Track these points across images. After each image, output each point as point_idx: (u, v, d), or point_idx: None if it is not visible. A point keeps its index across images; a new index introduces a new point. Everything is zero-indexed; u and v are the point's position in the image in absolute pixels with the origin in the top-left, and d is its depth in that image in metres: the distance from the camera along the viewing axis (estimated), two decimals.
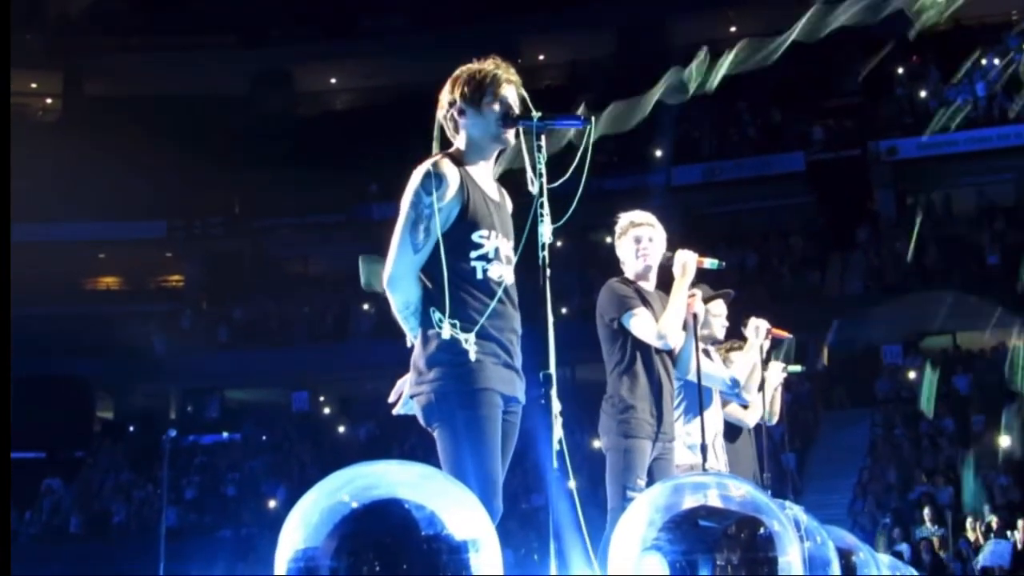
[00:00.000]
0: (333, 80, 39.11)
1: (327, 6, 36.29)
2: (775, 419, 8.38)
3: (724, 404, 7.48)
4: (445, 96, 4.35)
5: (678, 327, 6.05)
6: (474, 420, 4.04)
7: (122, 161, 32.08)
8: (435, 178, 4.13)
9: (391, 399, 4.36)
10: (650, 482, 5.79)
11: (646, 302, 6.06)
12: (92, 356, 30.85)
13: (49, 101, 38.82)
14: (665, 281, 6.21)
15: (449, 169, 4.17)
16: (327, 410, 31.54)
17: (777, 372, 8.31)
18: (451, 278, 4.13)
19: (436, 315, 4.10)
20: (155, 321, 32.96)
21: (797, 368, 8.78)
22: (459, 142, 4.34)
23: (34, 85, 37.64)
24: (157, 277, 37.05)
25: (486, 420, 4.06)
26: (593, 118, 4.11)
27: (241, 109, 35.50)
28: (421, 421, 4.16)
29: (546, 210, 3.94)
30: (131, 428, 31.48)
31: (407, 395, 4.23)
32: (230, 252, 34.45)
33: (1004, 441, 21.20)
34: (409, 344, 4.26)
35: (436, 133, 4.38)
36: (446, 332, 4.07)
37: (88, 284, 36.35)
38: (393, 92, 34.84)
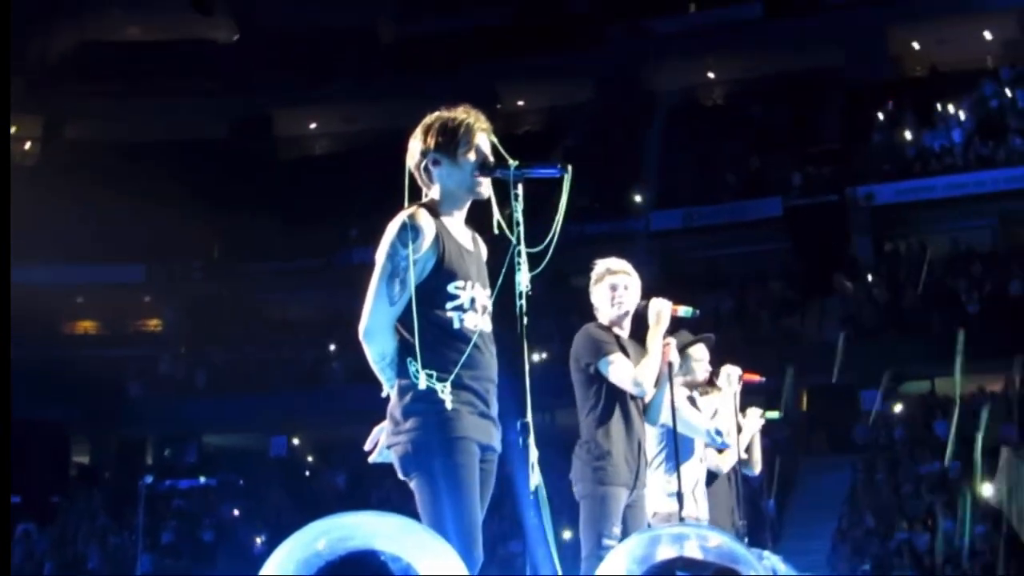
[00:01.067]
0: (313, 125, 39.21)
1: (306, 51, 36.41)
2: (757, 468, 8.38)
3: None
4: (416, 145, 4.33)
5: (654, 374, 6.05)
6: (452, 468, 4.02)
7: (101, 205, 32.04)
8: (411, 230, 4.12)
9: (367, 447, 4.33)
10: (623, 530, 5.78)
11: (623, 348, 6.06)
12: (68, 400, 30.64)
13: (28, 145, 38.77)
14: (639, 328, 6.22)
15: (425, 221, 4.16)
16: (305, 455, 31.39)
17: (755, 419, 8.32)
18: (427, 328, 4.13)
19: (412, 366, 4.09)
20: (133, 365, 32.83)
21: (775, 414, 8.78)
22: (433, 192, 4.33)
23: (14, 128, 37.60)
24: (135, 321, 36.91)
25: (464, 468, 4.04)
26: (570, 167, 4.13)
27: (220, 153, 35.52)
28: (398, 472, 4.13)
29: (523, 258, 3.94)
30: (107, 473, 31.27)
31: (383, 444, 4.21)
32: (209, 297, 34.36)
33: (986, 490, 21.21)
34: (384, 394, 4.25)
35: (407, 182, 4.35)
36: (422, 383, 4.06)
37: (66, 328, 36.20)
38: (372, 137, 34.91)
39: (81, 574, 26.49)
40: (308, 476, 29.42)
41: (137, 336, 36.10)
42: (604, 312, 6.19)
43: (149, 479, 18.16)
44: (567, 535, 3.99)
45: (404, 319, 4.15)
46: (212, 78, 36.94)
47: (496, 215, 4.28)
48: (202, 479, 29.53)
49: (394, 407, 4.15)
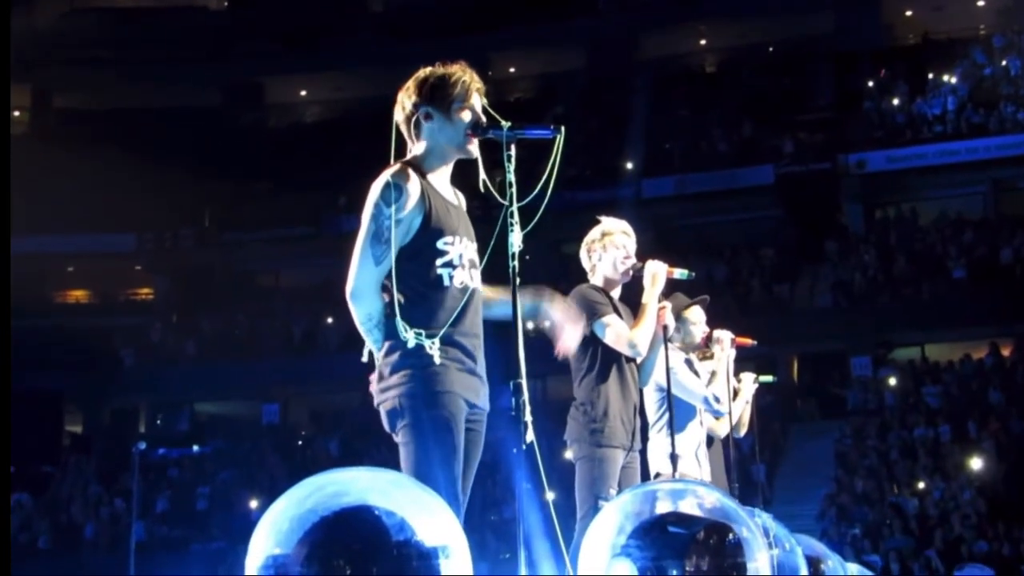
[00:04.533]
0: (303, 92, 39.07)
1: (298, 19, 36.25)
2: (743, 430, 8.41)
3: None
4: (408, 98, 4.28)
5: (649, 336, 6.03)
6: (439, 420, 4.02)
7: (91, 174, 31.93)
8: (394, 189, 4.08)
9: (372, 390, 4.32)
10: (618, 491, 5.75)
11: (616, 310, 6.06)
12: (61, 369, 30.65)
13: (17, 114, 38.60)
14: (634, 291, 6.21)
15: (409, 178, 4.12)
16: (297, 423, 31.43)
17: (749, 383, 8.34)
18: (415, 286, 4.12)
19: (400, 324, 4.07)
20: (124, 334, 32.80)
21: (769, 378, 8.81)
22: (418, 147, 4.28)
23: None
24: (126, 290, 36.87)
25: (450, 420, 4.03)
26: (563, 127, 4.10)
27: (212, 122, 35.39)
28: (386, 426, 4.13)
29: (516, 219, 3.93)
30: (100, 442, 31.28)
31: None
32: (200, 265, 34.31)
33: (975, 463, 21.33)
34: (365, 358, 4.24)
35: (394, 136, 4.30)
36: (410, 340, 4.05)
37: (57, 297, 36.15)
38: (363, 105, 34.74)
39: (76, 542, 26.54)
40: (301, 443, 29.45)
41: (128, 305, 36.06)
42: (606, 271, 6.17)
43: (142, 446, 18.11)
44: (551, 496, 3.93)
45: (391, 278, 4.12)
46: (203, 46, 36.74)
47: (482, 175, 4.27)
48: (195, 448, 29.57)
49: (382, 365, 4.13)
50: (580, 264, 6.35)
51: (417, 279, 4.12)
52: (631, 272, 6.17)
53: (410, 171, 4.16)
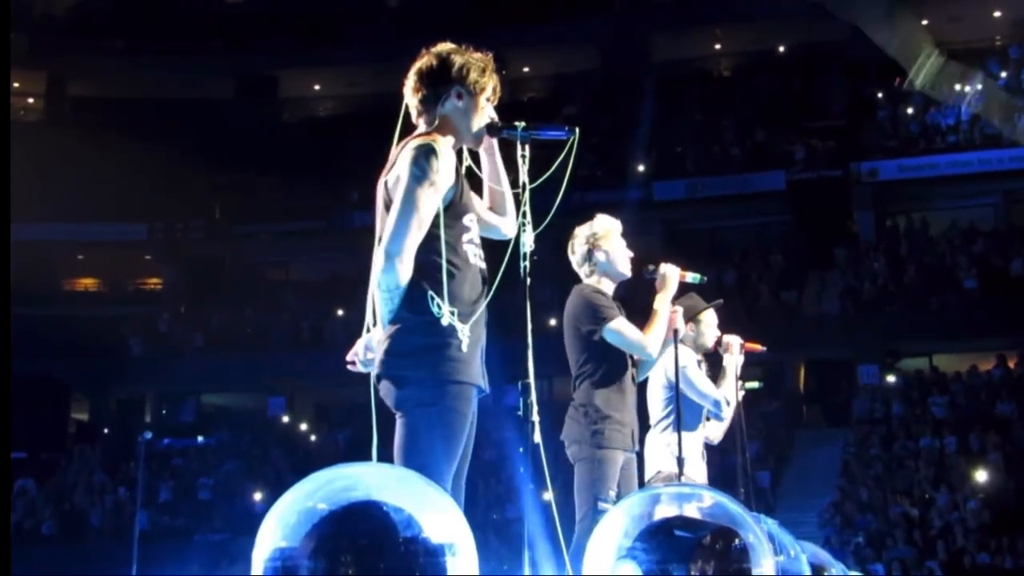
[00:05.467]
0: (317, 87, 39.08)
1: (313, 13, 36.25)
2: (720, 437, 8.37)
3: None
4: (442, 67, 4.19)
5: (661, 340, 6.04)
6: (451, 413, 3.92)
7: (103, 163, 32.00)
8: (438, 157, 3.96)
9: (349, 357, 4.22)
10: (617, 493, 5.77)
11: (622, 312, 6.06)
12: (68, 357, 30.70)
13: (31, 101, 38.68)
14: (645, 294, 6.20)
15: (448, 150, 4.04)
16: (303, 416, 31.45)
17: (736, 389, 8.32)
18: (451, 260, 3.99)
19: (435, 300, 3.92)
20: (132, 324, 32.85)
21: (755, 384, 8.81)
22: (437, 123, 4.16)
23: (17, 84, 37.47)
24: (135, 280, 36.91)
25: (460, 416, 3.94)
26: (577, 129, 4.10)
27: (225, 113, 35.40)
28: (389, 403, 3.99)
29: (528, 219, 3.92)
30: (106, 430, 31.33)
31: (375, 370, 4.04)
32: (209, 257, 34.38)
33: (980, 475, 21.28)
34: (368, 329, 4.12)
35: (404, 110, 4.21)
36: (446, 318, 3.90)
37: (66, 285, 36.20)
38: (376, 100, 34.73)
39: (80, 529, 26.58)
40: (305, 437, 29.48)
41: (137, 294, 36.12)
42: (616, 264, 6.10)
43: (149, 435, 18.07)
44: (549, 496, 3.92)
45: (424, 251, 3.97)
46: (218, 37, 36.77)
47: (467, 160, 4.22)
48: (200, 439, 29.60)
49: (397, 341, 3.95)
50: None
51: (452, 252, 4.01)
52: (645, 276, 6.17)
53: (447, 142, 4.07)
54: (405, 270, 3.90)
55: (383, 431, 4.00)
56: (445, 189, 3.99)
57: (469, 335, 3.94)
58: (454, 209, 4.04)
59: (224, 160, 32.03)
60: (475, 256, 4.09)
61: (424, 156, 3.95)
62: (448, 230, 3.99)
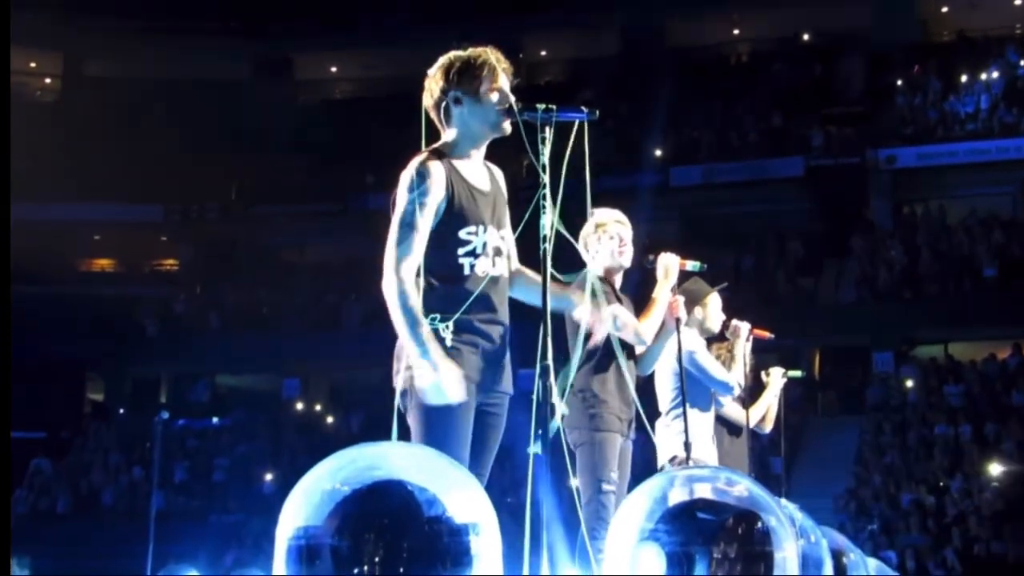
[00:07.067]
0: (333, 69, 39.07)
1: None
2: (769, 426, 8.39)
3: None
4: (436, 84, 4.28)
5: (656, 327, 6.11)
6: (444, 406, 4.00)
7: (120, 143, 32.06)
8: (418, 177, 4.10)
9: None
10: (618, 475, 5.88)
11: (618, 299, 6.11)
12: (84, 338, 30.84)
13: (48, 81, 38.75)
14: (646, 283, 6.22)
15: (434, 167, 4.13)
16: (317, 398, 31.51)
17: (778, 377, 8.32)
18: (438, 273, 4.14)
19: (430, 314, 4.09)
20: (148, 304, 32.93)
21: (798, 373, 8.81)
22: (449, 134, 4.30)
23: (33, 64, 37.56)
24: (151, 261, 37.03)
25: (458, 407, 4.03)
26: (597, 111, 4.09)
27: (241, 95, 35.41)
28: (399, 405, 4.13)
29: (549, 201, 3.92)
30: (121, 410, 31.44)
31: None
32: (225, 238, 34.44)
33: (995, 463, 21.23)
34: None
35: (424, 124, 4.31)
36: (426, 328, 4.02)
37: (82, 266, 36.32)
38: (393, 83, 34.72)
39: (95, 508, 26.70)
40: (320, 418, 29.55)
41: (153, 275, 36.24)
42: (604, 261, 6.18)
43: (165, 415, 18.16)
44: (573, 482, 3.94)
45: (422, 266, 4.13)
46: (234, 18, 36.77)
47: (531, 155, 4.25)
48: (215, 420, 29.70)
49: (399, 347, 4.14)
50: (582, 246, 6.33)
51: (440, 266, 4.14)
52: (644, 265, 6.21)
53: (436, 159, 4.17)
54: (408, 289, 4.02)
55: (400, 413, 4.12)
56: (435, 204, 4.12)
57: (455, 336, 4.09)
58: (446, 223, 4.16)
59: (241, 142, 32.03)
60: (476, 267, 4.19)
61: (410, 177, 4.11)
62: (441, 244, 4.15)
